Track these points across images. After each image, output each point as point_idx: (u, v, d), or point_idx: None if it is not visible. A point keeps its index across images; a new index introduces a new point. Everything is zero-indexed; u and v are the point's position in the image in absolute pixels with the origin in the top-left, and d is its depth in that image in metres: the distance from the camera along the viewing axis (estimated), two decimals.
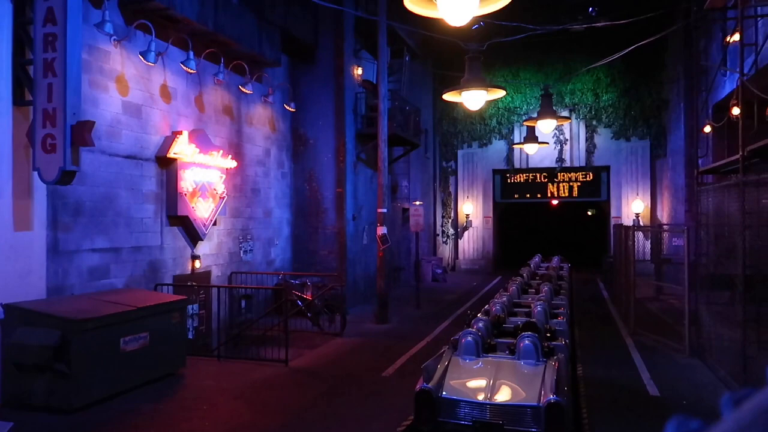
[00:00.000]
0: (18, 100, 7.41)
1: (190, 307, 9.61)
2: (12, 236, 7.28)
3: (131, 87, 9.45)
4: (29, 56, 7.44)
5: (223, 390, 7.84)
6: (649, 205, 22.16)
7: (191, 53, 10.04)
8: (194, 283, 10.58)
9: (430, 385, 5.38)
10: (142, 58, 9.33)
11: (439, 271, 21.42)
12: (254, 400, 7.49)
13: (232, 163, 11.52)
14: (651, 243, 16.66)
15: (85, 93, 8.00)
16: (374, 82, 16.01)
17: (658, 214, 21.80)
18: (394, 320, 13.18)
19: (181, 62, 10.10)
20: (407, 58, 18.81)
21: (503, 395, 5.41)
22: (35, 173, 7.27)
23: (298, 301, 11.89)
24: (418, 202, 16.12)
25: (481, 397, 5.37)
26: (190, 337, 9.77)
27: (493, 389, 5.44)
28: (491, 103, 21.37)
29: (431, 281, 20.71)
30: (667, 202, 20.51)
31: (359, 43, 15.71)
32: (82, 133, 7.08)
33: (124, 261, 9.29)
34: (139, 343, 7.63)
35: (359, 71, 15.71)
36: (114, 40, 9.01)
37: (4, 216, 7.20)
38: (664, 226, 18.51)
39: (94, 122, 7.28)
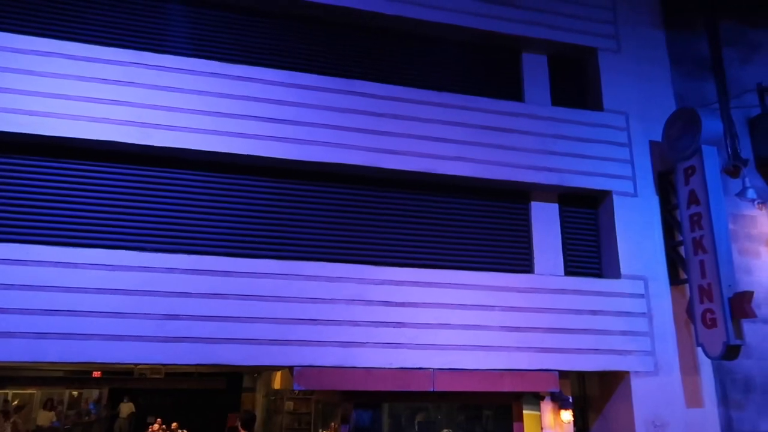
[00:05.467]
0: (673, 280, 7.96)
1: None
2: (684, 413, 7.41)
3: None
4: (678, 238, 8.04)
5: None
6: None
7: None
8: None
9: None
10: None
11: None
12: None
13: None
14: None
15: (735, 262, 7.88)
16: None
17: None
18: None
19: None
20: None
21: None
22: (699, 349, 7.40)
23: None
24: None
25: None
26: None
27: None
28: None
29: None
30: None
31: None
32: (741, 305, 6.89)
33: None
34: None
35: None
36: (758, 203, 8.74)
37: (676, 392, 7.47)
38: None
39: (752, 292, 6.97)
